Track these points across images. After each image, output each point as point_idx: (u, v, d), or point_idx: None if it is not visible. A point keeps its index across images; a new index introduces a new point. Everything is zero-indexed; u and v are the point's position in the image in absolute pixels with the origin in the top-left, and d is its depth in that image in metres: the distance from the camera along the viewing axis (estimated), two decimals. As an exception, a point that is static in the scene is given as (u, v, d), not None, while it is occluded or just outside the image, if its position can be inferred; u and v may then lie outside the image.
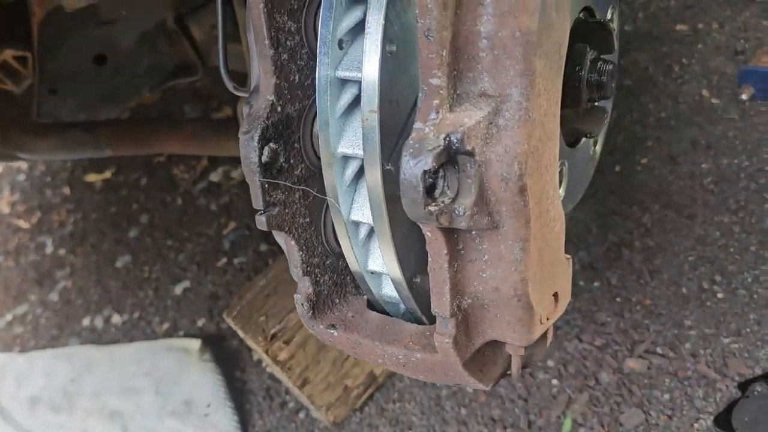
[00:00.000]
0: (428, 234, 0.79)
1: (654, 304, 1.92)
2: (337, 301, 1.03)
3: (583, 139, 1.14)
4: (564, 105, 1.02)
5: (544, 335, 0.98)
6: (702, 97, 2.42)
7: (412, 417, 1.97)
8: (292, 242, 0.94)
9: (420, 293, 0.95)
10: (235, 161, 3.12)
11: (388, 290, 0.99)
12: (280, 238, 0.95)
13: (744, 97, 2.35)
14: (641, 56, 2.62)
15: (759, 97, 2.33)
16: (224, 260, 2.72)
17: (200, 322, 2.51)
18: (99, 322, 2.74)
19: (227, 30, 1.02)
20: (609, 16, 1.14)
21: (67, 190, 3.40)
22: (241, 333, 1.74)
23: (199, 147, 1.95)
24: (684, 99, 2.44)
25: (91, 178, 3.41)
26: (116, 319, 2.73)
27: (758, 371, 1.71)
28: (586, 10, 1.07)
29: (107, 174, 3.37)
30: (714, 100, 2.40)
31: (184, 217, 2.99)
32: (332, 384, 1.90)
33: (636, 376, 1.79)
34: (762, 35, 2.51)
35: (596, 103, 1.09)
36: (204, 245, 2.83)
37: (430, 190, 0.73)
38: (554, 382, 1.87)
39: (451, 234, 0.80)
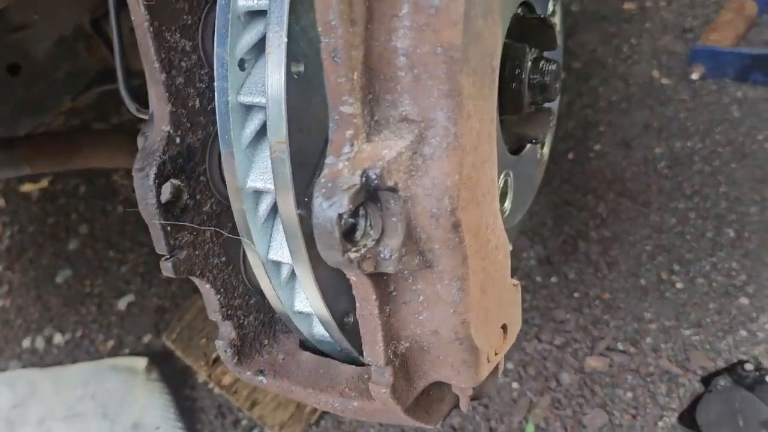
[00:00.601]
0: (353, 279, 0.69)
1: (613, 298, 1.87)
2: (266, 341, 0.93)
3: (529, 145, 1.05)
4: (505, 111, 0.94)
5: (495, 367, 0.90)
6: (652, 79, 2.36)
7: (371, 429, 1.89)
8: (207, 286, 0.83)
9: (354, 333, 0.85)
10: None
11: (319, 330, 0.89)
12: (194, 280, 0.85)
13: (694, 76, 2.30)
14: (589, 37, 2.55)
15: (709, 76, 2.28)
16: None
17: (146, 339, 2.37)
18: (40, 343, 2.59)
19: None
20: (550, 10, 1.05)
21: (1, 202, 3.21)
22: (182, 356, 1.63)
23: (128, 160, 1.81)
24: (634, 81, 2.38)
25: (27, 188, 3.22)
26: (58, 338, 2.58)
27: (720, 363, 1.67)
28: (525, 5, 0.98)
29: (44, 183, 3.18)
30: (664, 81, 2.35)
31: (126, 227, 2.84)
32: (283, 402, 1.80)
33: (598, 375, 1.74)
34: (709, 11, 2.46)
35: (540, 106, 1.00)
36: (147, 255, 2.69)
37: (349, 233, 0.63)
38: (515, 385, 1.80)
39: (379, 277, 0.70)
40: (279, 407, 1.80)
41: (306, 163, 0.71)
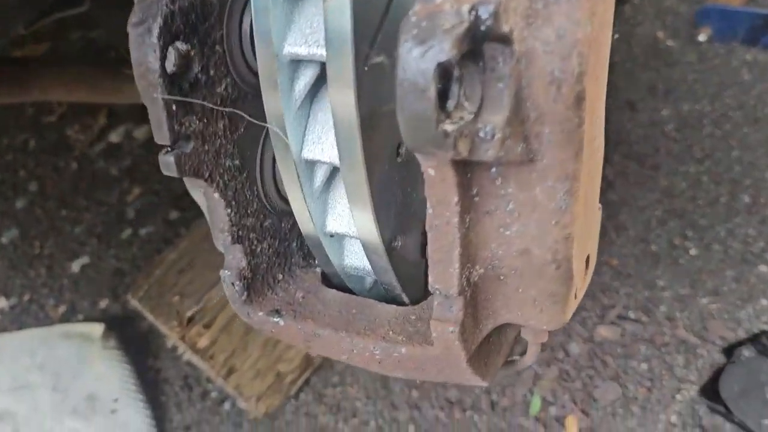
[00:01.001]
0: (430, 172, 0.51)
1: (622, 264, 1.73)
2: (281, 277, 0.74)
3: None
4: None
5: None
6: (657, 40, 2.23)
7: (356, 402, 1.71)
8: (216, 195, 0.64)
9: (400, 262, 0.68)
10: (138, 117, 2.74)
11: (353, 259, 0.71)
12: (197, 190, 0.65)
13: (701, 38, 2.18)
14: (590, -4, 2.41)
15: (717, 39, 2.17)
16: (129, 231, 2.36)
17: (103, 304, 2.14)
18: (-19, 308, 2.33)
19: None
20: None
21: (-59, 156, 2.91)
22: (150, 317, 1.43)
23: (90, 93, 1.59)
24: (638, 42, 2.25)
25: (-30, 142, 2.93)
26: (2, 303, 2.32)
27: (741, 334, 1.55)
28: None
29: (-12, 137, 2.90)
30: (670, 43, 2.22)
31: (81, 184, 2.58)
32: (263, 371, 1.61)
33: (609, 344, 1.60)
34: (716, -28, 2.35)
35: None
36: (105, 215, 2.45)
37: (441, 99, 0.46)
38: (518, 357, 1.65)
39: (464, 171, 0.52)
40: (257, 376, 1.61)
41: (368, 15, 0.53)
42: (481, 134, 0.48)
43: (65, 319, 2.17)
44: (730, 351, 1.48)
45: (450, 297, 0.58)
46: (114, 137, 2.72)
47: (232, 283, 0.69)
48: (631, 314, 1.63)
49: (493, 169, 0.54)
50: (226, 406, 1.82)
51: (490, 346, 0.70)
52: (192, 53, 0.57)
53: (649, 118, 2.03)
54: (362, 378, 1.75)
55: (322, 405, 1.74)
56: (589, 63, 0.48)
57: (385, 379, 1.73)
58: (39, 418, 1.93)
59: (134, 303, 1.48)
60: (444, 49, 0.43)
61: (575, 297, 0.63)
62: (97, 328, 2.03)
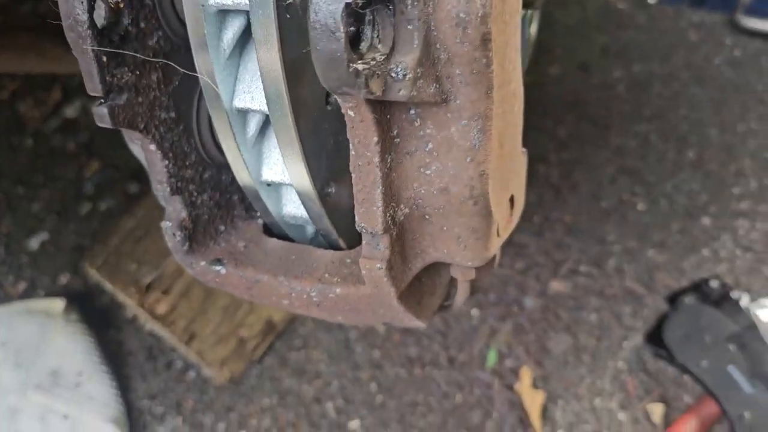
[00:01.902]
0: (350, 113, 0.54)
1: (574, 221, 1.79)
2: (223, 228, 0.77)
3: (521, 12, 0.92)
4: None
5: (493, 256, 0.77)
6: (609, 2, 2.27)
7: (320, 364, 1.75)
8: (153, 147, 0.66)
9: (335, 208, 0.70)
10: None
11: (291, 208, 0.74)
12: (134, 142, 0.67)
13: (651, 1, 2.22)
14: (542, -40, 2.43)
15: (666, 1, 2.21)
16: (88, 206, 2.34)
17: (64, 279, 2.14)
18: (-60, 288, 2.31)
19: None
20: None
21: None
22: (108, 285, 1.44)
23: (43, 62, 1.58)
24: (591, 5, 2.28)
25: None
26: (-39, 282, 2.31)
27: (685, 283, 1.62)
28: None
29: (-60, 115, 2.84)
30: (621, 5, 2.26)
31: (37, 161, 2.55)
32: (224, 336, 1.64)
33: (561, 298, 1.66)
34: (664, -65, 2.39)
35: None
36: (63, 191, 2.43)
37: (353, 42, 0.48)
38: (474, 312, 1.71)
39: (382, 112, 0.55)
40: (219, 342, 1.64)
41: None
42: (393, 74, 0.51)
43: (26, 295, 2.16)
44: (673, 299, 1.54)
45: (376, 235, 0.61)
46: (70, 112, 2.68)
47: (174, 234, 0.71)
48: (583, 268, 1.69)
49: (412, 111, 0.57)
50: (191, 374, 1.85)
51: (423, 287, 0.73)
52: (121, 5, 0.59)
53: (601, 80, 2.08)
54: (325, 341, 1.79)
55: (286, 368, 1.78)
56: (493, 5, 0.51)
57: (348, 341, 1.77)
58: (3, 395, 1.93)
59: (91, 272, 1.49)
60: (350, -9, 0.46)
61: (498, 234, 0.67)
62: (59, 304, 2.02)
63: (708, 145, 1.84)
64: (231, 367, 1.72)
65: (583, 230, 1.75)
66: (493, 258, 0.78)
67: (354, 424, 1.63)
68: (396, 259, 0.64)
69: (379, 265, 0.62)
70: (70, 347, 1.96)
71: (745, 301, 1.49)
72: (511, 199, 0.71)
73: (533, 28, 1.04)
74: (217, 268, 0.73)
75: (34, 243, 2.30)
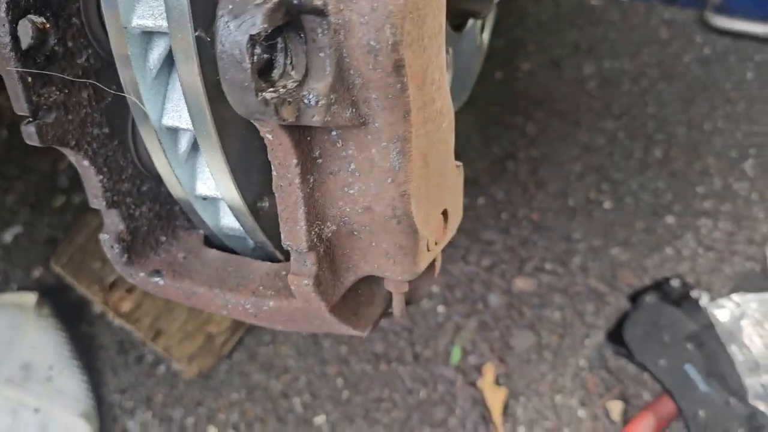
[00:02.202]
0: (269, 137, 0.55)
1: (541, 218, 1.80)
2: (164, 239, 0.78)
3: (470, 22, 0.93)
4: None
5: (432, 263, 0.79)
6: (582, -2, 2.28)
7: (288, 359, 1.77)
8: (86, 162, 0.67)
9: (269, 221, 0.72)
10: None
11: (228, 221, 0.75)
12: (69, 156, 0.68)
13: (623, -4, 2.23)
14: (518, -45, 2.43)
15: (638, -4, 2.22)
16: (62, 199, 2.34)
17: (37, 272, 2.14)
18: None
19: None
20: None
21: None
22: (74, 283, 1.45)
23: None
24: (565, 1, 2.29)
25: None
26: (-66, 275, 2.31)
27: (647, 281, 1.64)
28: None
29: None
30: (594, 2, 2.27)
31: (12, 152, 2.54)
32: (192, 332, 1.65)
33: (526, 295, 1.68)
34: (639, -70, 2.39)
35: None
36: (37, 183, 2.43)
37: (265, 70, 0.49)
38: (440, 309, 1.72)
39: (301, 135, 0.56)
40: (186, 338, 1.65)
41: (208, -7, 0.56)
42: (306, 101, 0.52)
43: (-1, 289, 2.17)
44: (635, 298, 1.57)
45: (302, 252, 0.62)
46: (46, 104, 2.67)
47: (112, 246, 0.72)
48: (548, 266, 1.71)
49: (333, 132, 0.58)
50: (161, 368, 1.86)
51: (359, 298, 0.75)
52: (47, 26, 0.59)
53: (572, 76, 2.09)
54: (293, 336, 1.80)
55: (255, 363, 1.80)
56: (404, 32, 0.52)
57: (316, 336, 1.79)
58: (-25, 388, 1.94)
59: (57, 269, 1.49)
60: (256, 23, 0.46)
61: (427, 248, 0.68)
62: (31, 297, 2.03)
63: (675, 143, 1.86)
64: (199, 362, 1.73)
65: (549, 227, 1.77)
66: (432, 268, 0.79)
67: (320, 419, 1.65)
68: (325, 274, 0.65)
69: (306, 282, 0.63)
70: (41, 341, 1.96)
71: (704, 300, 1.51)
72: (445, 213, 0.72)
73: (485, 36, 1.05)
74: (155, 279, 0.74)
75: (7, 236, 2.30)
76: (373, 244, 0.65)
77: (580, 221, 1.76)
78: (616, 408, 1.49)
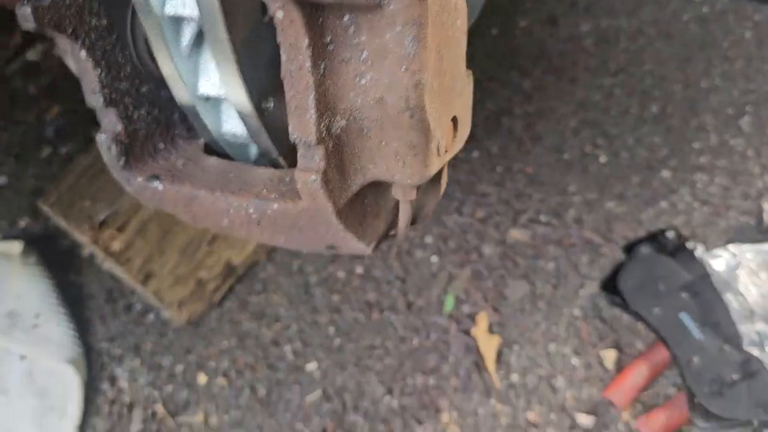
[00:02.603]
0: (279, 15, 0.53)
1: (536, 172, 1.79)
2: (162, 146, 0.75)
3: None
4: None
5: (438, 178, 0.77)
6: (580, -45, 2.25)
7: (279, 308, 1.76)
8: (83, 53, 0.64)
9: (274, 125, 0.69)
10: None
11: (230, 125, 0.72)
12: (64, 49, 0.65)
13: (622, -47, 2.20)
14: None
15: (637, -46, 2.19)
16: (48, 150, 2.30)
17: (22, 222, 2.11)
18: None
19: None
20: None
21: None
22: (63, 222, 1.42)
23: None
24: (562, -43, 2.26)
25: None
26: None
27: (642, 233, 1.64)
28: None
29: None
30: (592, -42, 2.24)
31: (-3, 104, 2.50)
32: (183, 277, 1.63)
33: (520, 246, 1.67)
34: None
35: None
36: (23, 134, 2.38)
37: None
38: (433, 259, 1.71)
39: (313, 15, 0.54)
40: (178, 283, 1.63)
41: None
42: (321, -32, 0.49)
43: (-16, 239, 2.13)
44: (630, 249, 1.56)
45: (310, 146, 0.60)
46: (31, 55, 2.62)
47: (109, 147, 0.70)
48: (542, 218, 1.70)
49: (346, 17, 0.56)
50: (150, 317, 1.84)
51: (366, 208, 0.73)
52: None
53: (569, 33, 2.07)
54: (285, 285, 1.79)
55: (246, 312, 1.78)
56: None
57: (308, 285, 1.77)
58: (-42, 337, 1.91)
59: (46, 209, 1.46)
60: None
61: (438, 153, 0.66)
62: (16, 246, 1.99)
63: (671, 101, 1.85)
64: (189, 308, 1.71)
65: (544, 181, 1.76)
66: (438, 184, 0.78)
67: (311, 366, 1.64)
68: (333, 172, 0.63)
69: (314, 177, 0.61)
70: (27, 289, 1.94)
71: (699, 251, 1.51)
72: (455, 120, 0.70)
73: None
74: (154, 184, 0.71)
75: (-8, 186, 2.26)
76: (383, 143, 0.63)
77: (575, 175, 1.75)
78: (609, 356, 1.49)
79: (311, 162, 0.61)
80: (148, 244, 1.48)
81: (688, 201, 1.65)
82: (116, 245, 1.41)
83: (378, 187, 0.74)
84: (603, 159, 1.77)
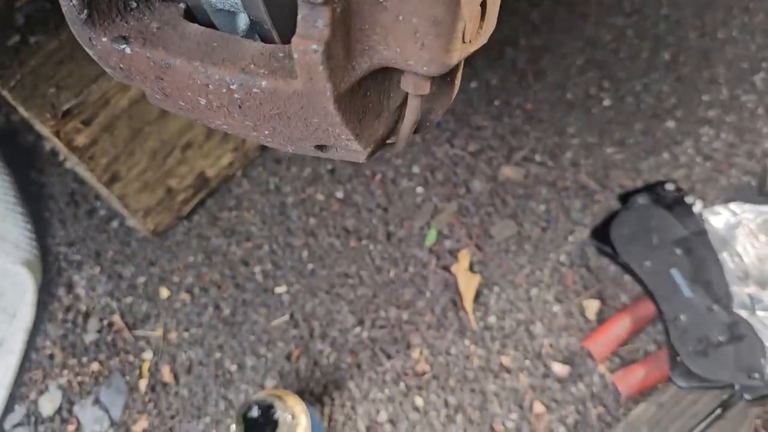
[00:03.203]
0: None
1: (536, 109, 1.69)
2: (135, 5, 0.64)
3: None
4: None
5: (453, 77, 0.67)
6: None
7: (252, 227, 1.66)
8: None
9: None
10: None
11: (218, -15, 0.61)
12: None
13: None
14: None
15: None
16: (16, 38, 2.12)
17: (-18, 112, 1.97)
18: None
19: None
20: None
21: None
22: (22, 109, 1.29)
23: None
24: None
25: None
26: None
27: (640, 183, 1.56)
28: None
29: None
30: None
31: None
32: (151, 183, 1.51)
33: (511, 184, 1.58)
34: None
35: None
36: (-12, 17, 2.20)
37: None
38: (419, 190, 1.62)
39: None
40: (144, 189, 1.52)
41: None
42: None
43: (-60, 126, 1.98)
44: (625, 198, 1.49)
45: (315, 6, 0.49)
46: (3, -67, 2.40)
47: (71, 1, 0.58)
48: (537, 157, 1.61)
49: None
50: (114, 224, 1.74)
51: (367, 104, 0.63)
52: None
53: (584, -33, 1.94)
54: (260, 204, 1.69)
55: (216, 228, 1.68)
56: None
57: (284, 205, 1.67)
58: None
59: (5, 94, 1.33)
60: None
61: (462, 38, 0.56)
62: (-27, 136, 1.86)
63: (685, 48, 1.75)
64: (156, 218, 1.60)
65: (543, 119, 1.66)
66: (452, 85, 0.68)
67: (280, 289, 1.56)
68: (337, 47, 0.52)
69: (315, 47, 0.50)
70: (-18, 184, 1.81)
71: (698, 207, 1.44)
72: (483, 5, 0.60)
73: None
74: (122, 46, 0.60)
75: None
76: (401, 17, 0.53)
77: (576, 116, 1.66)
78: (592, 307, 1.43)
79: (313, 28, 0.50)
80: (115, 143, 1.36)
81: (691, 154, 1.57)
82: (80, 140, 1.29)
83: (383, 83, 0.64)
84: (607, 102, 1.68)
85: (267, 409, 1.23)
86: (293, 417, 1.24)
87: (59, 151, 1.50)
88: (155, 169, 1.49)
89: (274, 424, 1.22)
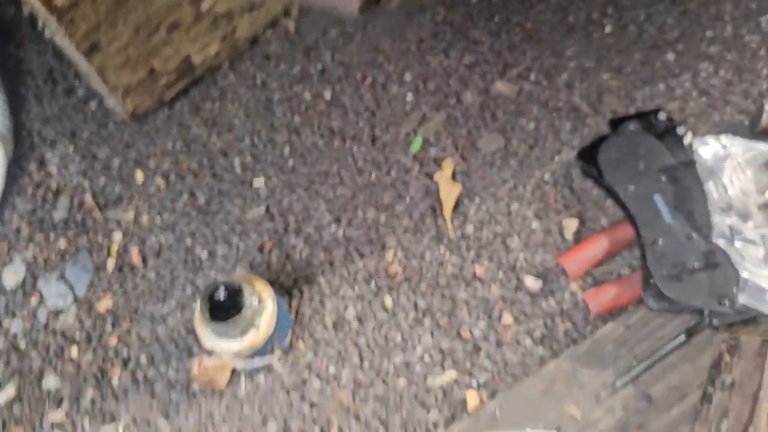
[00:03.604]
0: None
1: (536, 29, 1.65)
2: None
3: None
4: None
5: None
6: None
7: (234, 119, 1.62)
8: None
9: None
10: None
11: None
12: None
13: None
14: None
15: None
16: None
17: (-39, -20, 1.88)
18: None
19: None
20: None
21: None
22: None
23: None
24: None
25: None
26: None
27: (633, 111, 1.54)
28: None
29: None
30: None
31: None
32: (133, 60, 1.46)
33: (503, 100, 1.55)
34: None
35: None
36: None
37: None
38: (409, 97, 1.59)
39: None
40: (126, 65, 1.46)
41: None
42: None
43: None
44: (616, 124, 1.46)
45: None
46: None
47: None
48: (532, 76, 1.58)
49: None
50: (92, 105, 1.68)
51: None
52: None
53: None
54: (245, 97, 1.64)
55: (197, 117, 1.64)
56: None
57: (269, 101, 1.63)
58: None
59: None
60: None
61: None
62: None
63: (694, -17, 1.70)
64: (135, 99, 1.56)
65: (542, 39, 1.62)
66: None
67: (258, 182, 1.53)
68: None
69: None
70: (-43, 53, 1.74)
71: (688, 138, 1.42)
72: None
73: None
74: None
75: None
76: None
77: (576, 39, 1.62)
78: (571, 226, 1.42)
79: None
80: (97, 10, 1.30)
81: (687, 88, 1.55)
82: (60, 0, 1.23)
83: None
84: (608, 29, 1.64)
85: (234, 293, 1.21)
86: (260, 301, 1.23)
87: (37, 16, 1.43)
88: (138, 46, 1.43)
89: (239, 308, 1.20)
